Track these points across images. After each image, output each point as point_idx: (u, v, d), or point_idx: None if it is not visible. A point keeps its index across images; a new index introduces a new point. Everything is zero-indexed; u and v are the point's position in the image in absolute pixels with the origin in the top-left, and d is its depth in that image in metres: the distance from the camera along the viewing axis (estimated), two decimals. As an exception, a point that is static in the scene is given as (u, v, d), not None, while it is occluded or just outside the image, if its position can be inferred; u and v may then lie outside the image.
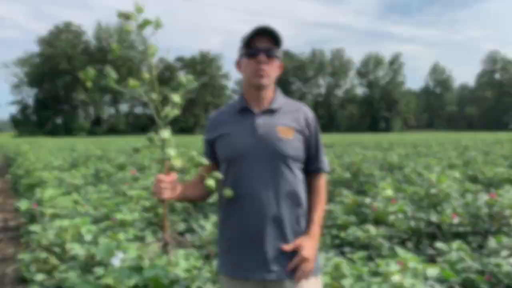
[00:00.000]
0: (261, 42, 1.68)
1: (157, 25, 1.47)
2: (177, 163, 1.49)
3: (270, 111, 1.74)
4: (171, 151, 1.48)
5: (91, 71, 1.48)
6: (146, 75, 1.56)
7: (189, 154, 1.56)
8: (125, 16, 1.43)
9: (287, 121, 1.73)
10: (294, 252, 1.66)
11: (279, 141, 1.67)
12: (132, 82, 1.52)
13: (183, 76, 1.61)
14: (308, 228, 1.74)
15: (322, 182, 1.83)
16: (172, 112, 1.58)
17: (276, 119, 1.73)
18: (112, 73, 1.49)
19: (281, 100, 1.79)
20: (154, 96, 1.53)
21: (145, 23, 1.44)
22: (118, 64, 69.70)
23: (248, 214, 1.67)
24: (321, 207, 1.79)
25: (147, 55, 1.51)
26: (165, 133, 1.50)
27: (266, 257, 1.65)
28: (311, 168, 1.81)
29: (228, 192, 1.65)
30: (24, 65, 73.09)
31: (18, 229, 5.83)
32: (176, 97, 1.54)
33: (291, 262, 1.65)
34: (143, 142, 1.61)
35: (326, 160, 1.85)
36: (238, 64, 1.80)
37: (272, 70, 1.72)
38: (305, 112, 1.79)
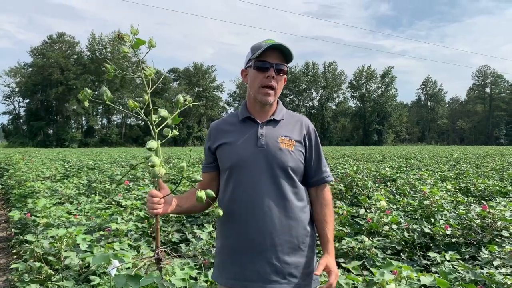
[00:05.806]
0: (272, 56, 1.68)
1: (151, 45, 1.47)
2: (161, 171, 1.47)
3: (273, 122, 1.75)
4: (156, 159, 1.46)
5: (88, 91, 1.48)
6: (146, 96, 1.55)
7: (178, 165, 1.54)
8: (120, 39, 1.44)
9: (289, 132, 1.74)
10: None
11: (280, 151, 1.68)
12: (131, 103, 1.52)
13: (181, 96, 1.61)
14: (326, 246, 1.73)
15: (328, 193, 1.82)
16: (167, 131, 1.57)
17: (278, 130, 1.73)
18: (107, 92, 1.50)
19: (283, 112, 1.80)
20: (153, 117, 1.52)
21: (138, 43, 1.43)
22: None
23: (248, 223, 1.66)
24: (331, 221, 1.78)
25: (144, 76, 1.51)
26: (153, 143, 1.49)
27: (266, 267, 1.63)
28: (315, 179, 1.79)
29: (219, 211, 1.61)
30: (16, 75, 72.50)
31: (8, 239, 5.76)
32: (163, 112, 1.53)
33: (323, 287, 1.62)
34: (140, 159, 1.60)
35: (329, 171, 1.83)
36: (244, 73, 1.79)
37: (279, 86, 1.73)
38: (306, 124, 1.80)
